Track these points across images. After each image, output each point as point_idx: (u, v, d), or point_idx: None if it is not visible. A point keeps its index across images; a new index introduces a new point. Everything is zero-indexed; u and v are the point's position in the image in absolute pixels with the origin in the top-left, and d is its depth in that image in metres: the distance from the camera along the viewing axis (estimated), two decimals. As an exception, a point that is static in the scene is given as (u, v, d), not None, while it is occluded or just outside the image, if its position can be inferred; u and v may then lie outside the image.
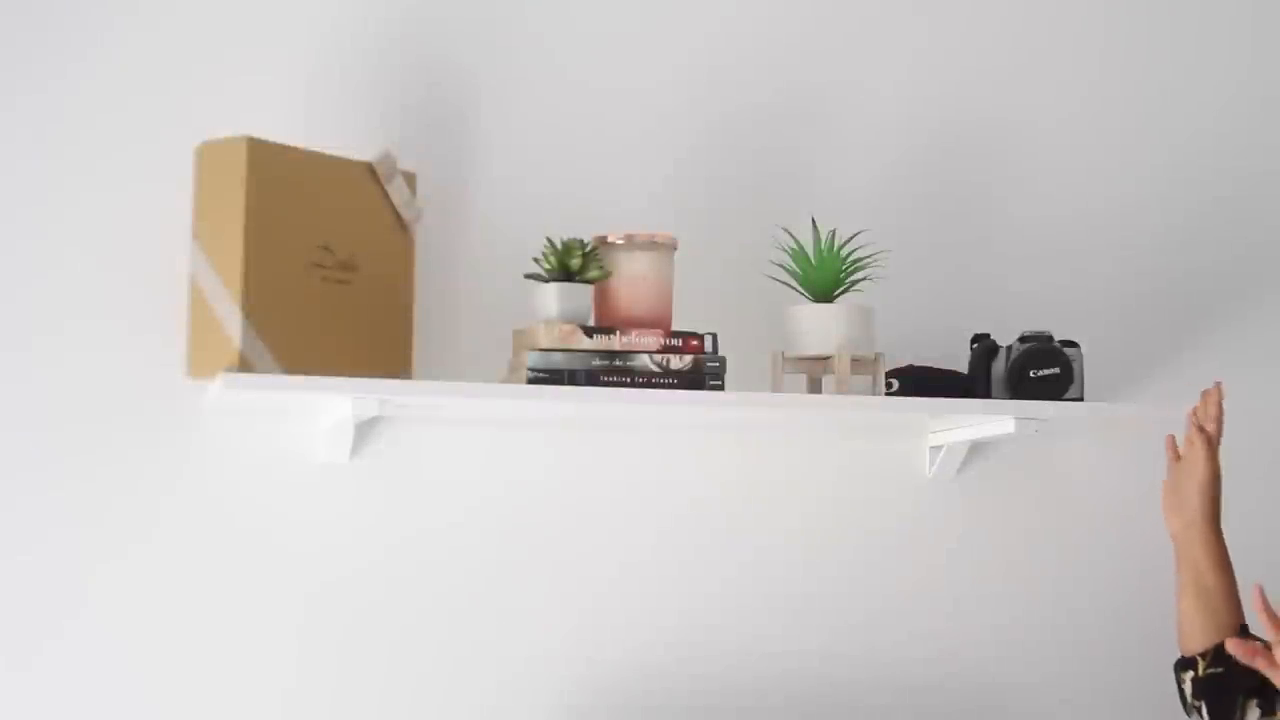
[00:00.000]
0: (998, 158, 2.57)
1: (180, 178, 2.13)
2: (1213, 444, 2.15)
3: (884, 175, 2.51)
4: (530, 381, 2.11)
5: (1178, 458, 2.19)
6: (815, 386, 2.35)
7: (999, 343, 2.37)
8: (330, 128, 2.23)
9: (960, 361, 2.40)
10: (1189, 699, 2.07)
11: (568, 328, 2.14)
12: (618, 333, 2.16)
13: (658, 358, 2.16)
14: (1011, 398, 2.32)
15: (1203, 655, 2.05)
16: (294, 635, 2.23)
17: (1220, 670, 2.03)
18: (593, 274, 2.18)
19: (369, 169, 2.18)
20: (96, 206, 2.18)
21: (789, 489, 2.43)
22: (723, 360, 2.20)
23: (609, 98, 2.41)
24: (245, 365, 2.01)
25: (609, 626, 2.35)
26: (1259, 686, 1.97)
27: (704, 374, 2.18)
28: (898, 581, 2.47)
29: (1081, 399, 2.35)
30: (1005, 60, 2.59)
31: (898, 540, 2.47)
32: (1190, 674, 2.06)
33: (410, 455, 2.29)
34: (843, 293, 2.31)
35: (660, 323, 2.22)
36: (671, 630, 2.37)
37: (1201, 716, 2.05)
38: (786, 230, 2.33)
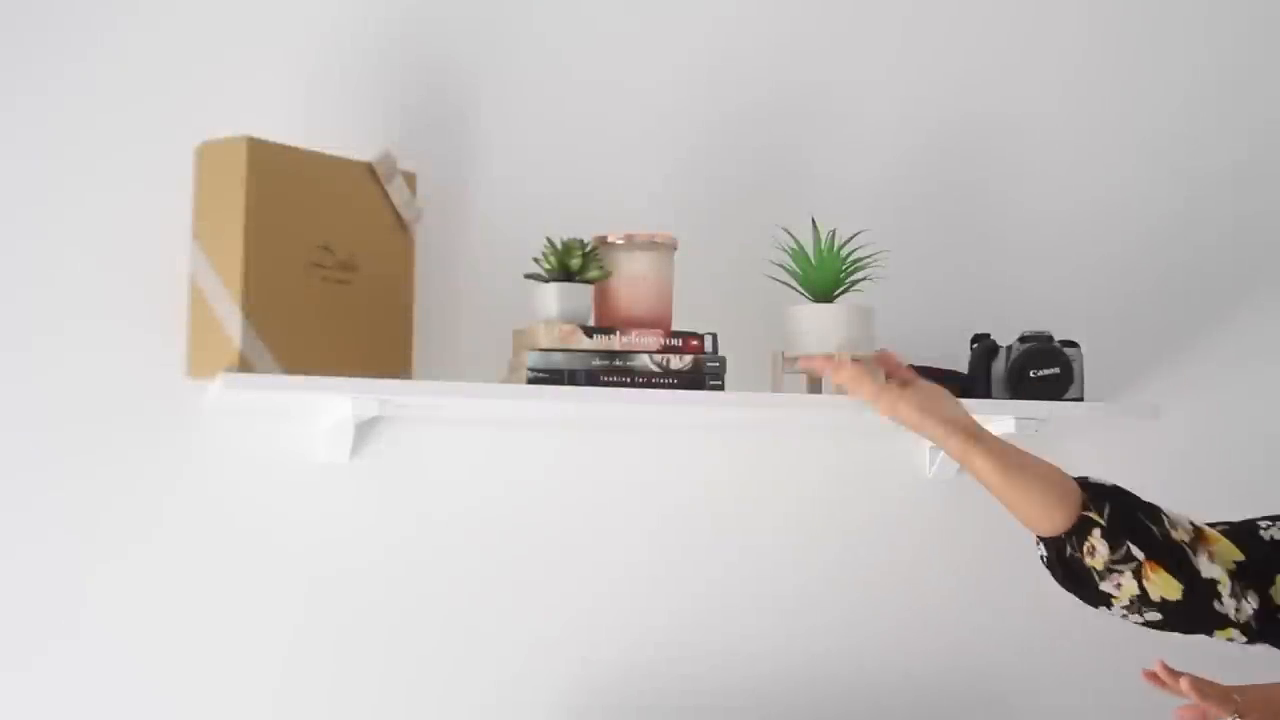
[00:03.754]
0: (998, 157, 2.57)
1: (180, 178, 2.13)
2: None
3: (884, 175, 2.51)
4: (530, 381, 2.11)
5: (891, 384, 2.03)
6: (815, 386, 2.35)
7: (999, 343, 2.37)
8: (330, 128, 2.23)
9: (960, 361, 2.41)
10: (1099, 572, 1.90)
11: (568, 328, 2.14)
12: (618, 333, 2.16)
13: (658, 358, 2.16)
14: (1011, 398, 2.32)
15: (1085, 507, 1.89)
16: (294, 635, 2.23)
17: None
18: (593, 274, 2.18)
19: (369, 169, 2.18)
20: (97, 206, 2.17)
21: (788, 489, 2.43)
22: (723, 360, 2.20)
23: (609, 98, 2.41)
24: (245, 365, 2.01)
25: (610, 626, 2.35)
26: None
27: (704, 374, 2.18)
28: (898, 581, 2.47)
29: (1081, 399, 2.36)
30: (1006, 59, 2.59)
31: (898, 540, 2.47)
32: (1097, 531, 1.88)
33: (410, 455, 2.29)
34: (843, 293, 2.31)
35: (660, 323, 2.22)
36: (672, 630, 2.38)
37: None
38: (786, 230, 2.33)
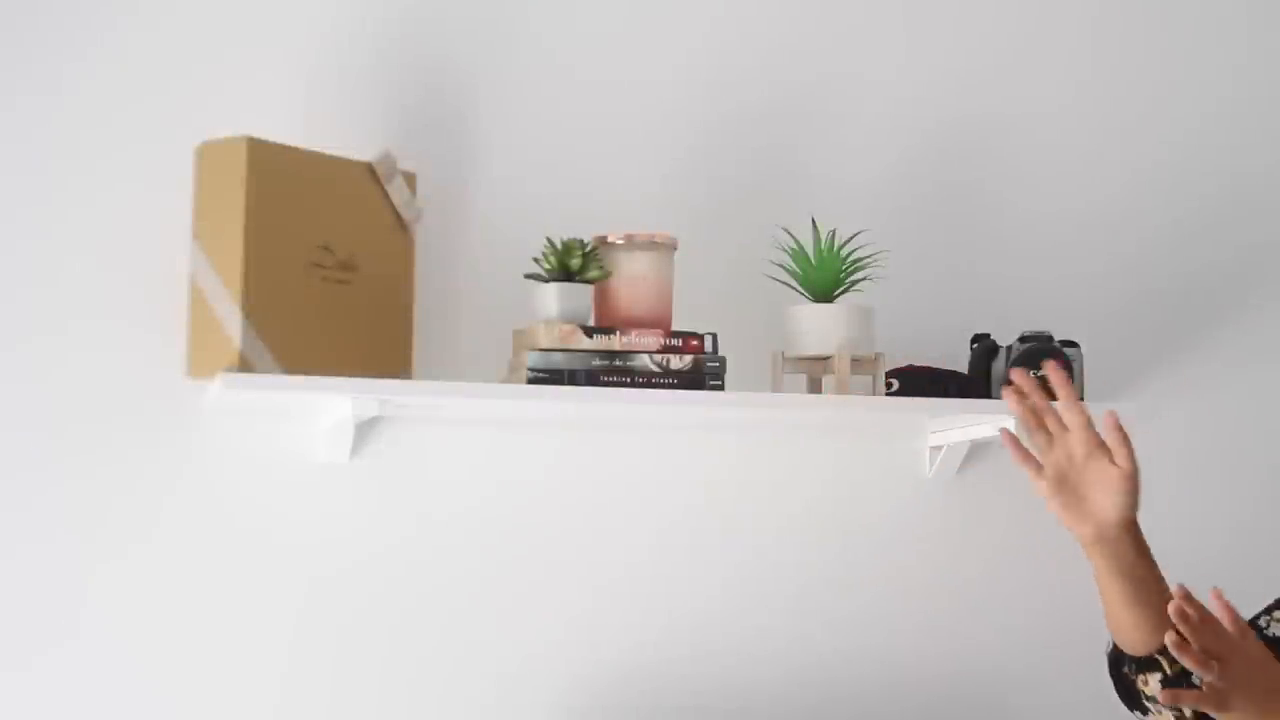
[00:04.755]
0: (998, 157, 2.57)
1: (180, 178, 2.13)
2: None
3: (884, 175, 2.51)
4: (530, 381, 2.11)
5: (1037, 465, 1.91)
6: (815, 386, 2.35)
7: (999, 343, 2.37)
8: (330, 128, 2.23)
9: (960, 361, 2.41)
10: (1148, 697, 1.91)
11: (568, 328, 2.14)
12: (618, 333, 2.16)
13: (658, 358, 2.16)
14: (1012, 397, 2.32)
15: (1161, 653, 1.88)
16: (294, 635, 2.23)
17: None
18: (593, 274, 2.18)
19: (369, 169, 2.18)
20: (97, 206, 2.17)
21: (788, 489, 2.43)
22: (723, 360, 2.20)
23: (609, 97, 2.41)
24: (245, 365, 2.01)
25: (608, 627, 2.35)
26: None
27: (704, 374, 2.18)
28: (898, 581, 2.46)
29: (1081, 399, 2.35)
30: (1006, 59, 2.59)
31: (898, 540, 2.47)
32: (1158, 675, 1.95)
33: (410, 455, 2.29)
34: (843, 293, 2.31)
35: (660, 323, 2.22)
36: (671, 630, 2.37)
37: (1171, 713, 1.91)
38: (786, 230, 2.33)
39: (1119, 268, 2.61)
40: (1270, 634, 1.88)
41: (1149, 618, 1.87)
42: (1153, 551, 1.91)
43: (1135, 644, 1.89)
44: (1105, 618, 1.91)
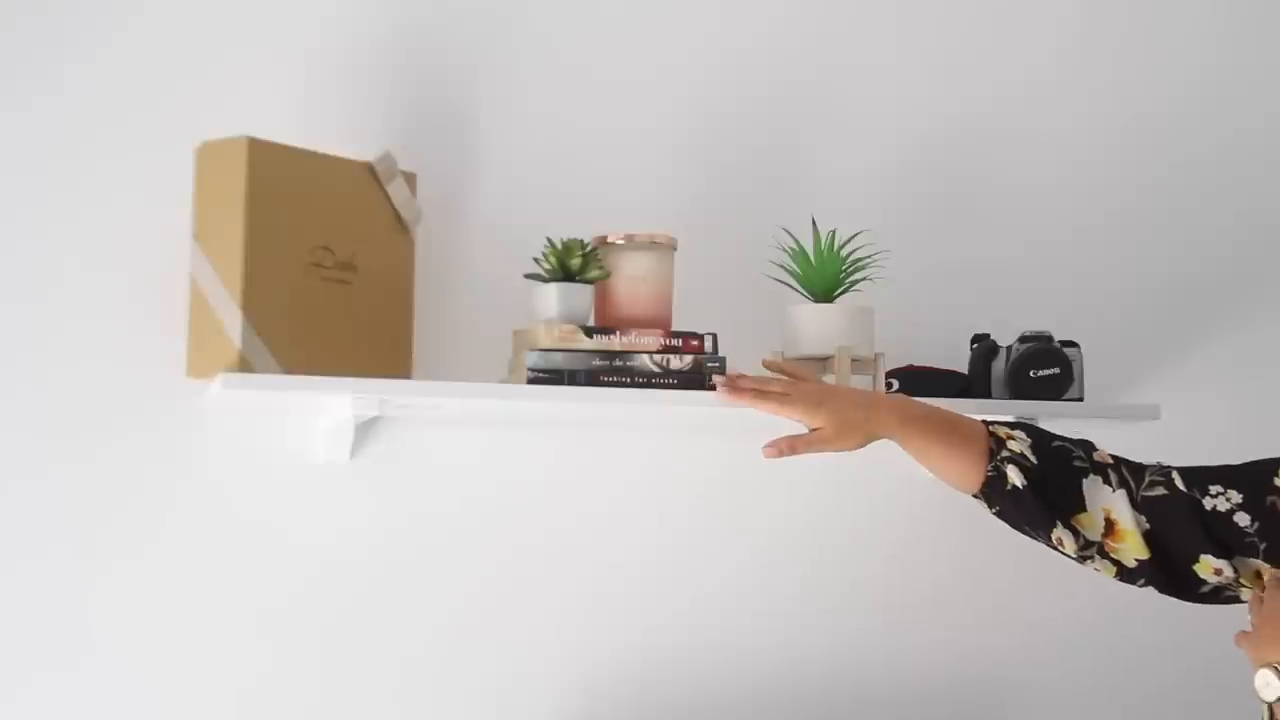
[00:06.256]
0: (998, 157, 2.58)
1: (181, 178, 2.13)
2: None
3: (884, 175, 2.51)
4: (530, 381, 2.11)
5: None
6: (815, 386, 2.35)
7: (999, 343, 2.37)
8: (330, 128, 2.23)
9: (960, 361, 2.41)
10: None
11: (568, 328, 2.14)
12: (618, 333, 2.16)
13: (658, 358, 2.16)
14: (1011, 398, 2.32)
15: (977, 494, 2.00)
16: (293, 635, 2.23)
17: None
18: (593, 274, 2.18)
19: (369, 169, 2.18)
20: (97, 207, 2.17)
21: (788, 489, 2.43)
22: (723, 360, 2.20)
23: (609, 97, 2.41)
24: (245, 365, 2.01)
25: (607, 626, 2.35)
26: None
27: (704, 374, 2.18)
28: (896, 581, 2.47)
29: (1081, 399, 2.36)
30: (1006, 58, 2.59)
31: (896, 539, 2.47)
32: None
33: (410, 455, 2.29)
34: (843, 293, 2.31)
35: (660, 323, 2.22)
36: (669, 630, 2.38)
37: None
38: (786, 230, 2.34)
39: (1119, 268, 2.61)
40: (1210, 506, 1.91)
41: (963, 462, 2.00)
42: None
43: (965, 487, 2.01)
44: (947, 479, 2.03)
